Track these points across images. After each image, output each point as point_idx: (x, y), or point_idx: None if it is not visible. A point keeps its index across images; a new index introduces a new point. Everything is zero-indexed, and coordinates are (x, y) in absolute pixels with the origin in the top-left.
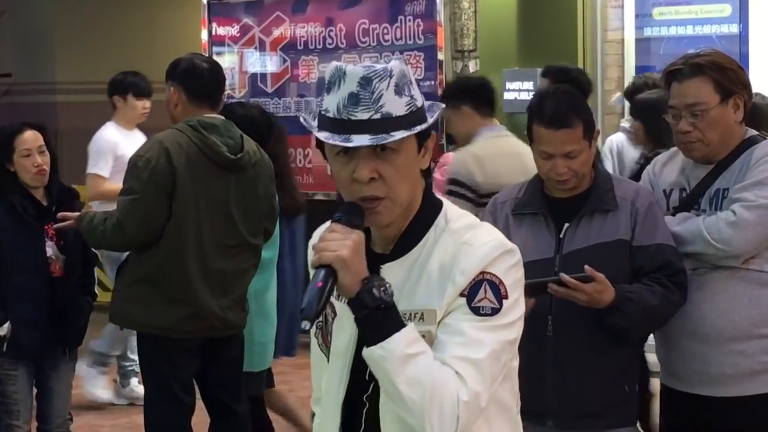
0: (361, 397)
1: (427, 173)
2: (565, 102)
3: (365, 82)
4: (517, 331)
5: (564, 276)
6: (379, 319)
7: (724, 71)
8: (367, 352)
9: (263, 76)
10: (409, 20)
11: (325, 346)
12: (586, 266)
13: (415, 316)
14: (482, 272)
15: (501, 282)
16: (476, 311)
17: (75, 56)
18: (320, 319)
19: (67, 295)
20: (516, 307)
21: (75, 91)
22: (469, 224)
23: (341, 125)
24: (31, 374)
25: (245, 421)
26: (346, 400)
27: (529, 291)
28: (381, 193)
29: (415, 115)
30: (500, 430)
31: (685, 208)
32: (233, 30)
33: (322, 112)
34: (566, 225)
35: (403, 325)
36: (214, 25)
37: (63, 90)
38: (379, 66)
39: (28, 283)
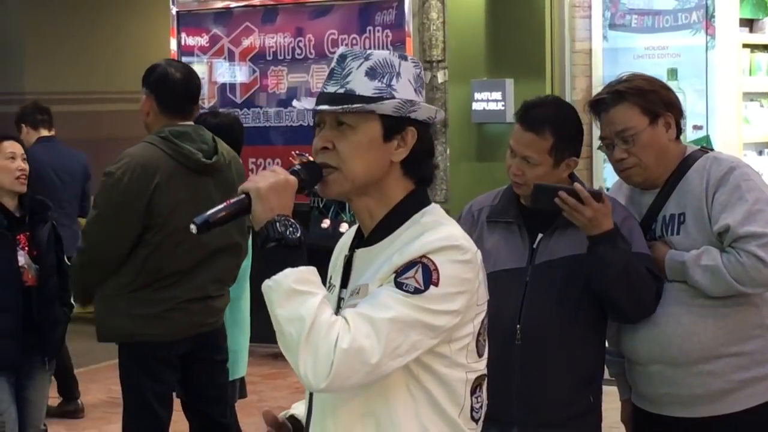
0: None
1: (423, 172)
2: (550, 113)
3: (341, 59)
4: (440, 321)
5: (578, 186)
6: (278, 253)
7: (646, 94)
8: (263, 286)
9: (232, 86)
10: (378, 31)
11: None
12: (601, 186)
13: (356, 293)
14: (422, 256)
15: (436, 269)
16: (399, 286)
17: (44, 66)
18: None
19: (42, 304)
20: (446, 300)
21: (44, 102)
22: (439, 221)
23: (317, 97)
24: (12, 385)
25: None
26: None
27: (537, 194)
28: (333, 162)
29: (384, 102)
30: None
31: None
32: (202, 40)
33: None
34: (540, 236)
35: (303, 265)
36: (184, 35)
37: (32, 100)
38: (361, 50)
39: (0, 293)
